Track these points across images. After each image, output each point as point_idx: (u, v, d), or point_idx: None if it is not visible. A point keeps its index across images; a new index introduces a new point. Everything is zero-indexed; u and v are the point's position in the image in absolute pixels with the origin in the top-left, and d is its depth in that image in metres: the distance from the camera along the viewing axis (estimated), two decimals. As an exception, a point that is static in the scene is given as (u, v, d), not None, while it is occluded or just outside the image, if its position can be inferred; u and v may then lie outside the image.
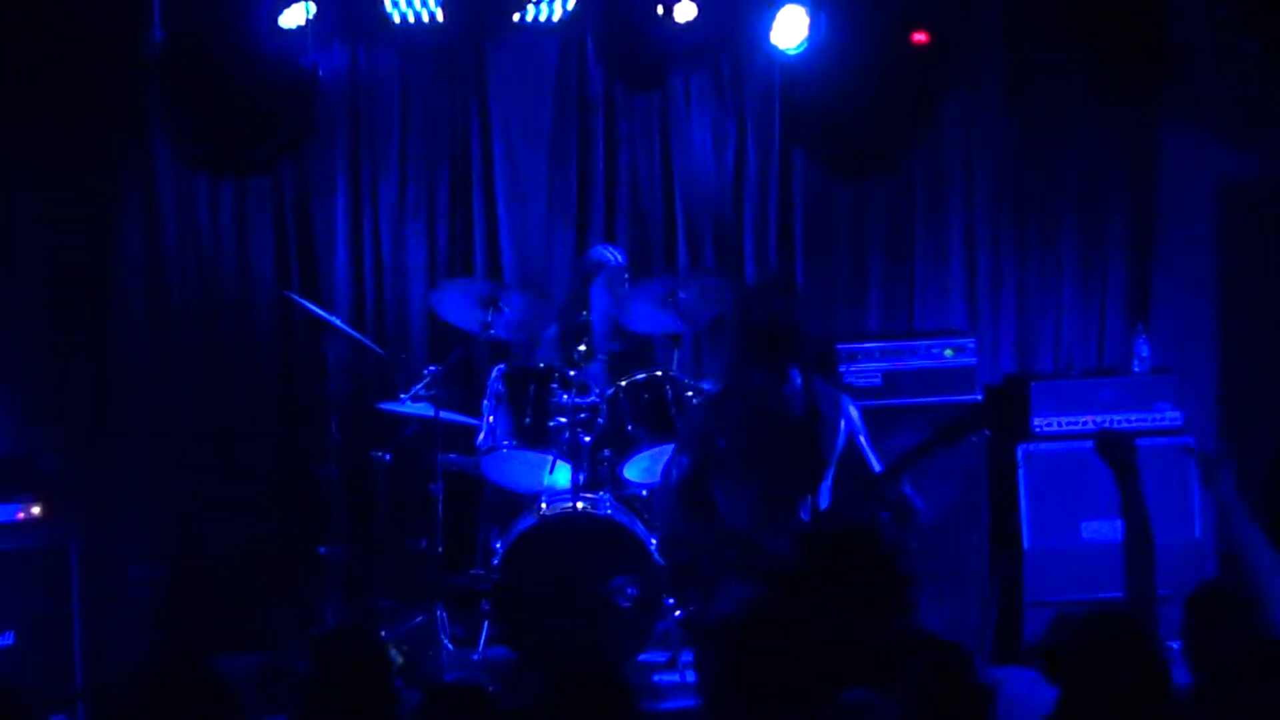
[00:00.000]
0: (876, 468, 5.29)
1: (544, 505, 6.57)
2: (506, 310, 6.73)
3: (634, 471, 6.60)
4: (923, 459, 5.05)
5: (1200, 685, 3.88)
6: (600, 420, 6.54)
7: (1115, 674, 3.54)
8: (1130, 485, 4.49)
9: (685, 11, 7.12)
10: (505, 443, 6.55)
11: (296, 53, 7.01)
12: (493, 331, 6.76)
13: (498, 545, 6.65)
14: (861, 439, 5.33)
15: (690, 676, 6.25)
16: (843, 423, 5.27)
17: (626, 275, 7.02)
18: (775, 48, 7.25)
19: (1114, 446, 4.54)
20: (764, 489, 5.15)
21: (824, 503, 5.18)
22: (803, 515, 5.10)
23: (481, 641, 6.65)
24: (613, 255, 7.07)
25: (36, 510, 6.23)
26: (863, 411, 5.48)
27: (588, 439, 6.53)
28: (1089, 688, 3.55)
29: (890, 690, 3.53)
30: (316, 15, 6.96)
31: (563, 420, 6.49)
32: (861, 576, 4.12)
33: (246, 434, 7.28)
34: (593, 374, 6.75)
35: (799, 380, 5.20)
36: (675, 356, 7.06)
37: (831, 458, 5.22)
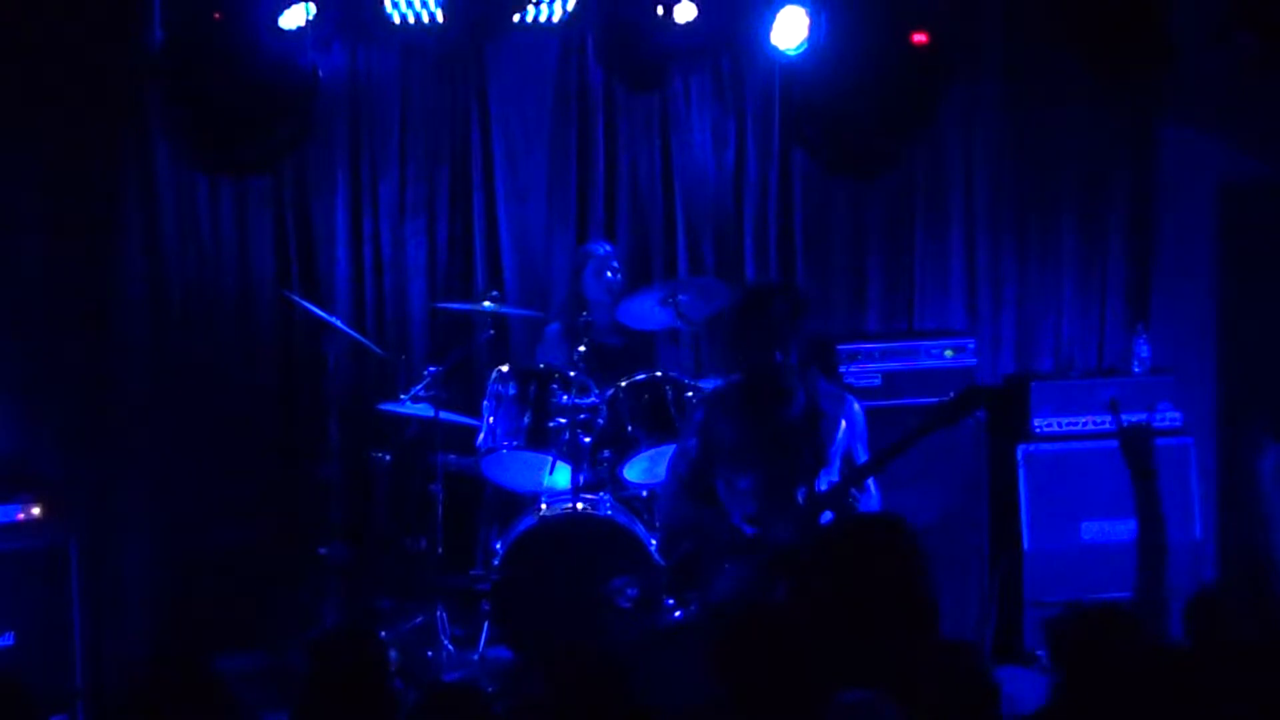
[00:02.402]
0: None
1: (544, 506, 6.57)
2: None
3: (634, 472, 6.60)
4: (920, 439, 5.05)
5: (1204, 684, 3.87)
6: (600, 421, 6.55)
7: (1115, 667, 3.54)
8: (1147, 484, 4.47)
9: (685, 12, 7.11)
10: (505, 443, 6.55)
11: (296, 53, 7.00)
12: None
13: (497, 545, 6.65)
14: (858, 445, 5.33)
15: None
16: (844, 421, 5.27)
17: (614, 263, 7.05)
18: (775, 48, 7.25)
19: (1136, 444, 4.52)
20: (763, 481, 5.17)
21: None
22: (798, 502, 5.12)
23: (481, 641, 6.65)
24: (598, 245, 7.13)
25: (36, 510, 6.23)
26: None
27: (588, 440, 6.53)
28: (1088, 681, 3.55)
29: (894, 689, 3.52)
30: (316, 16, 6.95)
31: (563, 421, 6.49)
32: (885, 590, 3.97)
33: (246, 434, 7.27)
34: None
35: (799, 377, 5.21)
36: (674, 355, 7.08)
37: (831, 453, 5.23)
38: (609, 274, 7.02)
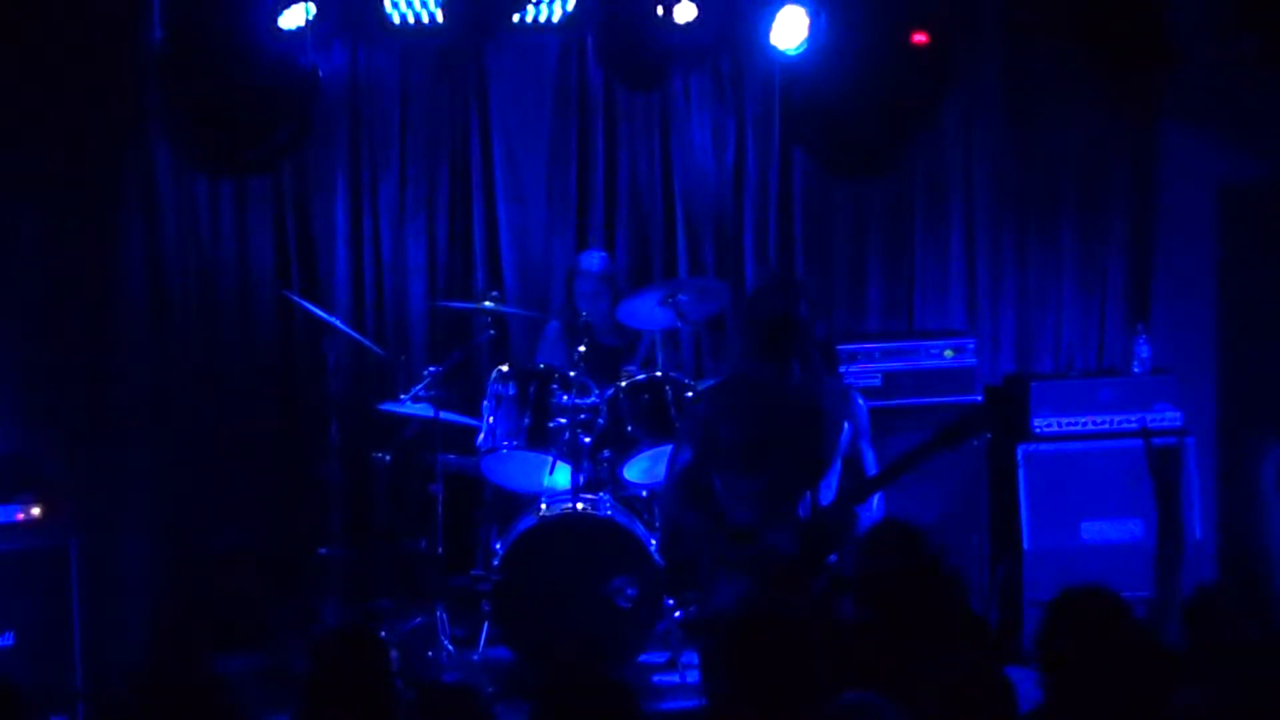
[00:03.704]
0: (870, 472, 5.29)
1: (544, 506, 6.57)
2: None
3: (634, 472, 6.60)
4: (922, 461, 5.04)
5: (1201, 686, 3.87)
6: (600, 421, 6.55)
7: (1103, 657, 3.53)
8: (1171, 498, 4.48)
9: (685, 12, 7.11)
10: (505, 443, 6.55)
11: (296, 53, 7.00)
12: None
13: (498, 546, 6.66)
14: (863, 442, 5.32)
15: (690, 677, 6.25)
16: (847, 423, 5.26)
17: (604, 284, 7.00)
18: (775, 48, 7.25)
19: (1163, 466, 4.54)
20: (764, 483, 5.15)
21: (825, 499, 5.17)
22: (801, 512, 5.10)
23: (481, 641, 6.66)
24: (590, 260, 7.07)
25: (36, 510, 6.23)
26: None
27: (588, 439, 6.54)
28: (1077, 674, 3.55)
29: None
30: (316, 16, 6.95)
31: (563, 421, 6.50)
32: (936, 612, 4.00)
33: (247, 434, 7.28)
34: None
35: (803, 377, 5.19)
36: (673, 355, 7.08)
37: (834, 455, 5.21)
38: (595, 300, 6.96)
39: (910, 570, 3.97)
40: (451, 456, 6.85)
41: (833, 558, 5.08)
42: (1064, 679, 3.59)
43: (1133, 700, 3.50)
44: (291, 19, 6.90)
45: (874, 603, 3.99)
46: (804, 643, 3.64)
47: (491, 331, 7.03)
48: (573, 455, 6.47)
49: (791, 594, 4.92)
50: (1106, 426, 7.16)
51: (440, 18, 7.17)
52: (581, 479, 6.48)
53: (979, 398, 7.26)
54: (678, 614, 6.55)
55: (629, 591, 6.38)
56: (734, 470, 5.21)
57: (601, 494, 6.58)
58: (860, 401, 5.39)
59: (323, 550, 6.85)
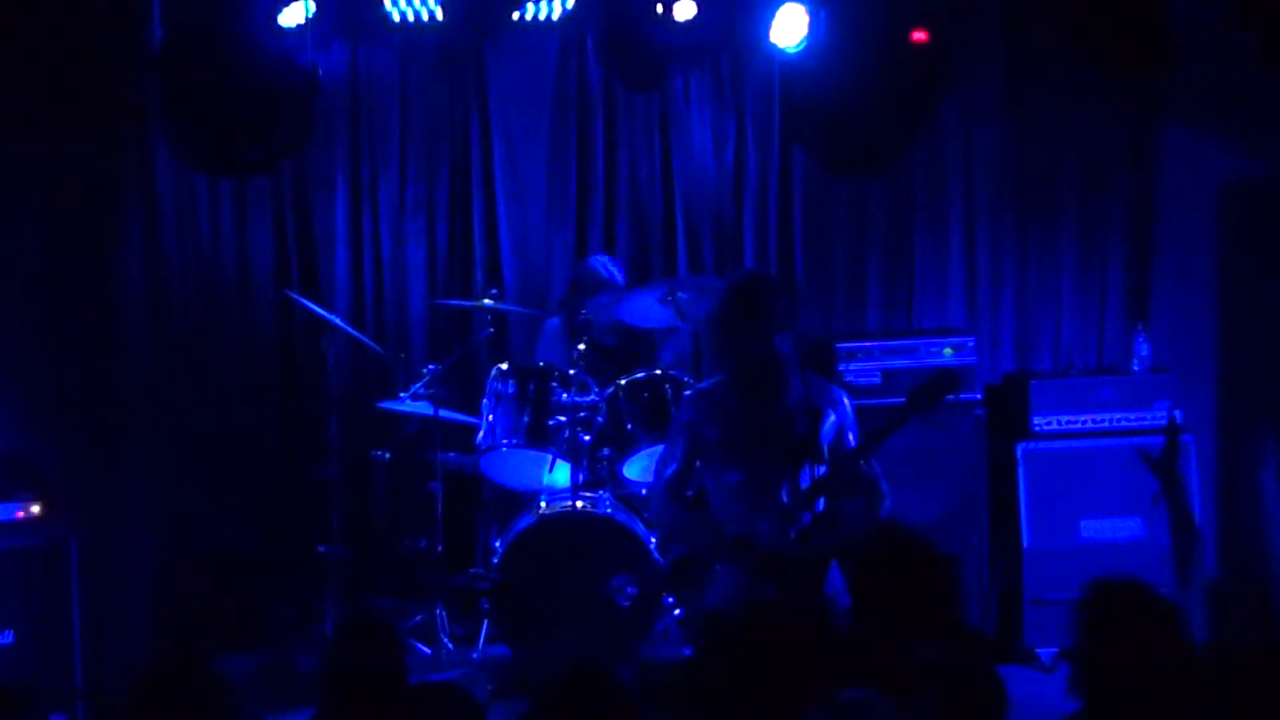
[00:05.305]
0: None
1: (543, 504, 6.57)
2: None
3: (633, 470, 6.60)
4: (897, 429, 5.04)
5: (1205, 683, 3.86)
6: (600, 419, 6.55)
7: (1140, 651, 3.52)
8: (1176, 491, 4.48)
9: (685, 10, 7.11)
10: (505, 441, 6.55)
11: (296, 52, 6.99)
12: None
13: (497, 544, 6.65)
14: (850, 435, 5.31)
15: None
16: (833, 414, 5.26)
17: (616, 291, 6.97)
18: (775, 47, 7.25)
19: (1161, 459, 4.55)
20: (747, 476, 5.16)
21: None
22: (783, 498, 5.11)
23: (481, 640, 6.66)
24: (611, 271, 7.03)
25: (36, 510, 6.22)
26: (857, 409, 5.46)
27: (587, 438, 6.54)
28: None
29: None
30: (316, 14, 6.96)
31: (562, 419, 6.50)
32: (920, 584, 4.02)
33: (247, 433, 7.28)
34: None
35: (791, 372, 5.18)
36: (673, 353, 7.08)
37: (819, 447, 5.20)
38: (611, 308, 6.94)
39: (908, 566, 3.98)
40: (451, 455, 6.86)
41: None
42: (1102, 677, 3.56)
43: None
44: (291, 17, 6.89)
45: (869, 597, 3.99)
46: (803, 641, 3.64)
47: (491, 329, 7.04)
48: (572, 453, 6.47)
49: (785, 587, 4.93)
50: (1106, 425, 7.16)
51: (440, 16, 7.17)
52: (581, 477, 6.48)
53: (979, 396, 7.27)
54: (677, 613, 6.55)
55: (629, 590, 6.38)
56: (719, 466, 5.23)
57: (601, 492, 6.58)
58: (846, 398, 5.38)
59: (323, 549, 6.86)
